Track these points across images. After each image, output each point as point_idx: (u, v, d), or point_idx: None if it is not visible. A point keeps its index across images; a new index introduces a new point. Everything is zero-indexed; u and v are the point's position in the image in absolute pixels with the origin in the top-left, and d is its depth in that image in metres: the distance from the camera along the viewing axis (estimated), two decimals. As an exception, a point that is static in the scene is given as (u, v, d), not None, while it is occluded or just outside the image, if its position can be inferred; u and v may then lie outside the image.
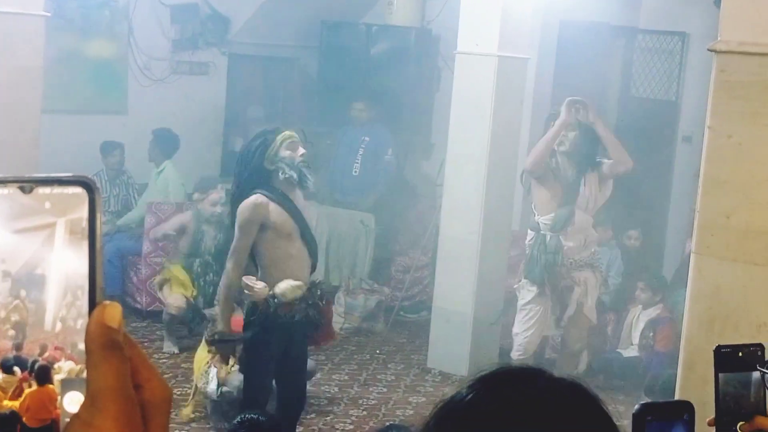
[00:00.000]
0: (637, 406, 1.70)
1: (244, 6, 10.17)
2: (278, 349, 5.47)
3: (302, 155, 5.42)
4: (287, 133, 5.48)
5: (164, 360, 7.89)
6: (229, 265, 5.52)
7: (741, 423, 1.89)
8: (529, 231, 7.29)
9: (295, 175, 5.39)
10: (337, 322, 8.34)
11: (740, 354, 1.91)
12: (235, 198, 5.54)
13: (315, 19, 10.23)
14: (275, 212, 5.40)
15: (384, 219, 9.63)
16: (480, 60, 7.70)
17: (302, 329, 5.54)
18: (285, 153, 5.40)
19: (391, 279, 9.58)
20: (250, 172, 5.43)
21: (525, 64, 7.96)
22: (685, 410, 1.66)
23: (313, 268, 5.67)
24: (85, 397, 0.81)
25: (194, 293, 8.05)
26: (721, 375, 1.91)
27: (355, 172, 9.59)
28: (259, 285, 5.40)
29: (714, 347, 1.94)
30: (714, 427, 1.92)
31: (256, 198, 5.37)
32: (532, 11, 7.95)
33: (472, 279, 7.85)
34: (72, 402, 0.82)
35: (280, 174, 5.39)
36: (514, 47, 7.76)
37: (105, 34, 9.67)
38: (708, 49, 3.83)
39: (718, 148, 3.81)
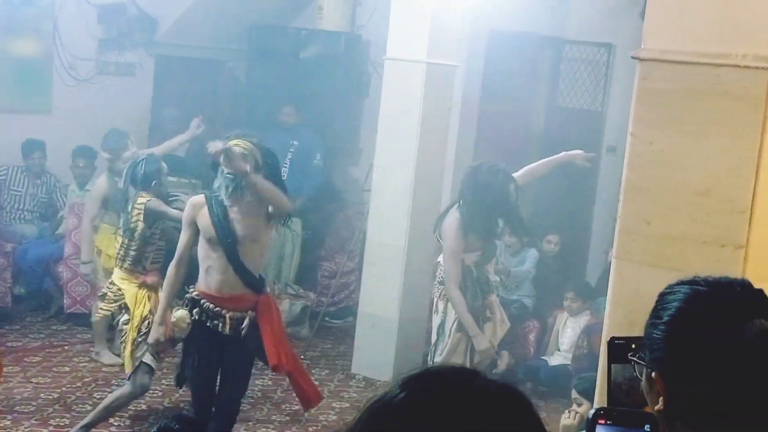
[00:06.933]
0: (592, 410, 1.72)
1: (172, 7, 10.05)
2: (212, 356, 5.50)
3: (229, 172, 5.42)
4: (234, 141, 5.47)
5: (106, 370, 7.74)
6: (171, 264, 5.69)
7: None
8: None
9: (220, 186, 5.45)
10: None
11: (633, 346, 1.94)
12: None
13: (244, 22, 10.16)
14: (203, 215, 5.49)
15: (311, 224, 9.60)
16: (409, 66, 7.73)
17: (237, 342, 5.56)
18: (223, 164, 5.48)
19: (317, 284, 9.54)
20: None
21: (453, 72, 8.00)
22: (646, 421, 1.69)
23: (254, 278, 5.70)
24: None
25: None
26: (613, 366, 1.94)
27: (283, 176, 9.51)
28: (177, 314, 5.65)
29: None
30: None
31: (196, 197, 5.61)
32: (461, 19, 7.99)
33: (398, 285, 7.86)
34: None
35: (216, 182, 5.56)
36: (443, 54, 7.79)
37: (29, 32, 9.51)
38: (631, 57, 3.88)
39: (639, 155, 3.85)
